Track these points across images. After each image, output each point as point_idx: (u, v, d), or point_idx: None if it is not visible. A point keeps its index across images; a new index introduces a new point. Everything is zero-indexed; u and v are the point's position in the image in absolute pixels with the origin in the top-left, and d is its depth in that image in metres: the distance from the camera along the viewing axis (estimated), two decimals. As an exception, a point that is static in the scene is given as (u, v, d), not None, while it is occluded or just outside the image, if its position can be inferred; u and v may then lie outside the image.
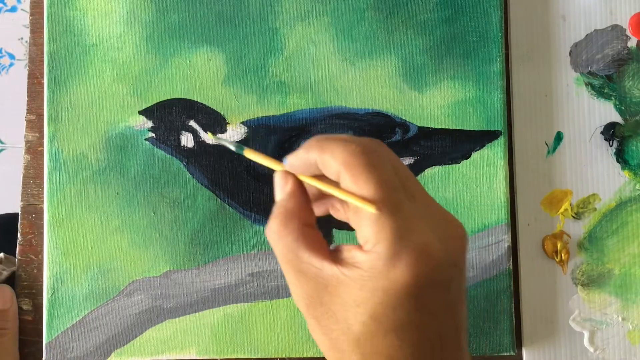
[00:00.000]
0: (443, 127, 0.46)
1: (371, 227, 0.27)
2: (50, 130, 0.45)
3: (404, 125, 0.45)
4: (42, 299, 0.45)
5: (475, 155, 0.45)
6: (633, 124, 0.47)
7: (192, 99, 0.45)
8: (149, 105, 0.45)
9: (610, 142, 0.47)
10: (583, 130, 0.47)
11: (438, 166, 0.45)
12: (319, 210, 0.33)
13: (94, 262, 0.44)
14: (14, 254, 0.47)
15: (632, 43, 0.47)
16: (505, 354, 0.44)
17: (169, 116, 0.45)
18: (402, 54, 0.46)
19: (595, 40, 0.47)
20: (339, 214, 0.33)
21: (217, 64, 0.46)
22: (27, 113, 0.47)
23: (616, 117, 0.47)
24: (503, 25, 0.46)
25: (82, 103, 0.45)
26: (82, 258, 0.44)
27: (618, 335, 0.46)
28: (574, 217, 0.46)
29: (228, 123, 0.45)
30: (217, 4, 0.46)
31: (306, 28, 0.46)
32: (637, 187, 0.46)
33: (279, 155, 0.44)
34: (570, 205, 0.46)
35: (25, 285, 0.46)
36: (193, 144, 0.45)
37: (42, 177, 0.45)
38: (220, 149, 0.45)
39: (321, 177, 0.30)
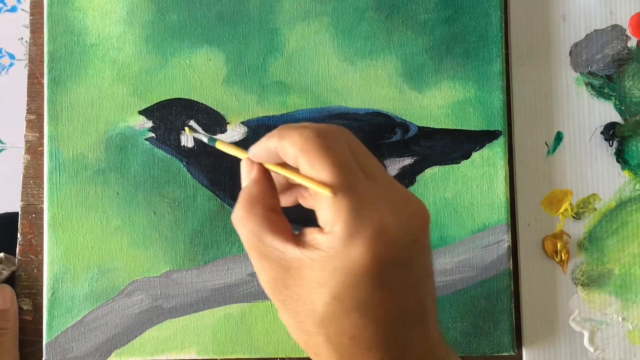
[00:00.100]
0: (443, 127, 0.46)
1: (329, 209, 0.28)
2: (50, 130, 0.45)
3: (404, 125, 0.45)
4: (42, 299, 0.45)
5: (475, 155, 0.45)
6: (633, 124, 0.47)
7: (192, 99, 0.45)
8: (149, 105, 0.45)
9: (610, 142, 0.47)
10: (583, 130, 0.47)
11: (438, 166, 0.45)
12: (288, 200, 0.34)
13: (94, 262, 0.44)
14: (14, 254, 0.47)
15: (632, 43, 0.47)
16: (505, 354, 0.44)
17: (169, 116, 0.45)
18: (402, 54, 0.46)
19: (595, 40, 0.47)
20: (307, 202, 0.33)
21: (217, 64, 0.46)
22: (27, 113, 0.47)
23: (616, 117, 0.47)
24: (503, 25, 0.46)
25: (82, 103, 0.45)
26: (82, 258, 0.44)
27: (618, 335, 0.46)
28: (574, 217, 0.46)
29: (228, 123, 0.45)
30: (217, 4, 0.46)
31: (306, 28, 0.46)
32: (637, 187, 0.46)
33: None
34: (570, 205, 0.46)
35: (25, 285, 0.46)
36: (193, 144, 0.45)
37: (42, 177, 0.45)
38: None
39: (285, 164, 0.31)
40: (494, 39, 0.46)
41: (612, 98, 0.47)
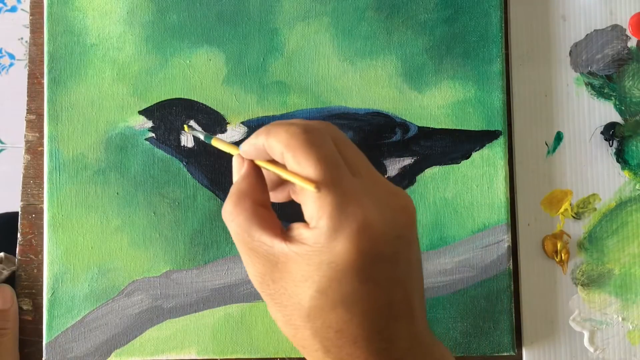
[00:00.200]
0: (443, 127, 0.46)
1: (314, 204, 0.28)
2: (50, 130, 0.45)
3: (404, 125, 0.45)
4: (42, 299, 0.45)
5: (475, 155, 0.45)
6: (633, 124, 0.47)
7: (192, 99, 0.45)
8: (149, 105, 0.45)
9: (610, 142, 0.47)
10: (583, 130, 0.47)
11: (438, 166, 0.45)
12: (282, 195, 0.34)
13: (94, 262, 0.44)
14: (14, 254, 0.47)
15: (632, 43, 0.47)
16: (505, 354, 0.44)
17: (169, 116, 0.45)
18: (402, 54, 0.46)
19: (595, 40, 0.47)
20: (298, 198, 0.33)
21: (217, 64, 0.46)
22: (27, 113, 0.47)
23: (616, 117, 0.47)
24: (503, 25, 0.46)
25: (82, 103, 0.45)
26: (82, 258, 0.44)
27: (618, 335, 0.46)
28: (574, 217, 0.46)
29: (228, 123, 0.45)
30: (217, 4, 0.46)
31: (306, 28, 0.46)
32: (637, 187, 0.46)
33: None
34: (570, 205, 0.46)
35: (25, 285, 0.46)
36: (193, 144, 0.45)
37: (42, 177, 0.45)
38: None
39: (275, 160, 0.31)
40: (494, 39, 0.46)
41: (612, 98, 0.47)
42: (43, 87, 0.45)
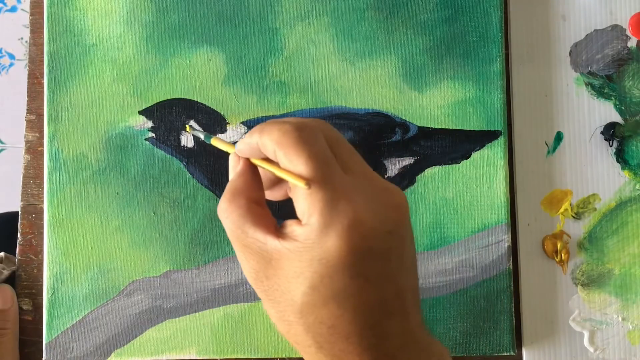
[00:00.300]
0: (443, 127, 0.46)
1: (305, 201, 0.29)
2: (50, 130, 0.45)
3: (404, 125, 0.45)
4: (42, 299, 0.45)
5: (475, 155, 0.45)
6: (633, 124, 0.47)
7: (192, 99, 0.45)
8: (149, 105, 0.45)
9: (610, 142, 0.47)
10: (583, 130, 0.47)
11: (438, 166, 0.45)
12: (279, 193, 0.34)
13: (94, 262, 0.44)
14: (14, 254, 0.47)
15: (632, 43, 0.47)
16: (505, 354, 0.44)
17: (169, 116, 0.45)
18: (402, 54, 0.46)
19: (595, 40, 0.47)
20: (292, 195, 0.34)
21: (217, 64, 0.46)
22: (27, 113, 0.47)
23: (616, 117, 0.47)
24: (503, 25, 0.46)
25: (82, 103, 0.45)
26: (82, 258, 0.44)
27: (618, 335, 0.46)
28: (574, 217, 0.46)
29: (228, 123, 0.45)
30: (217, 4, 0.46)
31: (306, 28, 0.46)
32: (637, 187, 0.46)
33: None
34: (570, 205, 0.46)
35: (25, 285, 0.46)
36: (193, 144, 0.45)
37: (42, 177, 0.45)
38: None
39: (269, 158, 0.32)
40: (494, 39, 0.46)
41: (612, 98, 0.47)
42: (43, 87, 0.45)
